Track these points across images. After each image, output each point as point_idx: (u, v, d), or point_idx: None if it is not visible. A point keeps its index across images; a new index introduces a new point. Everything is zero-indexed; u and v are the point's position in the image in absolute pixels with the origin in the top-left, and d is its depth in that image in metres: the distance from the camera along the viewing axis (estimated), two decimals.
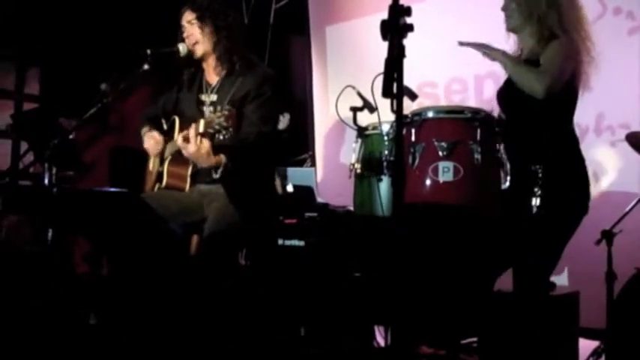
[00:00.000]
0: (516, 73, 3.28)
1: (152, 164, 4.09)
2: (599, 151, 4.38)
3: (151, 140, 4.03)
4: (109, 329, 3.58)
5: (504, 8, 3.46)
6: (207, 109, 3.86)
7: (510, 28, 3.48)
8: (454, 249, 3.52)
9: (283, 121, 5.23)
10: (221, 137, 3.45)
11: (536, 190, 3.18)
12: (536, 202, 3.17)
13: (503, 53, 3.37)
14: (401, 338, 2.47)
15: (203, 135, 3.45)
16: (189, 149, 3.49)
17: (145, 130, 4.11)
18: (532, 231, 3.18)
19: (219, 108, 3.51)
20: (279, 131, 4.11)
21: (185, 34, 3.88)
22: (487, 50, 3.36)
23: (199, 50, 3.88)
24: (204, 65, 3.97)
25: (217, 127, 3.39)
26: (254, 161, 3.73)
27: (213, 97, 3.88)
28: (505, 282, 3.42)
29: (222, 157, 3.59)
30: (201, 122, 3.44)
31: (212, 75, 3.96)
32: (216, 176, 3.63)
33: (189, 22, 3.87)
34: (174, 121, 4.01)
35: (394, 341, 2.47)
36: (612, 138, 4.57)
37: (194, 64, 3.97)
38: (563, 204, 3.21)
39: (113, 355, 3.42)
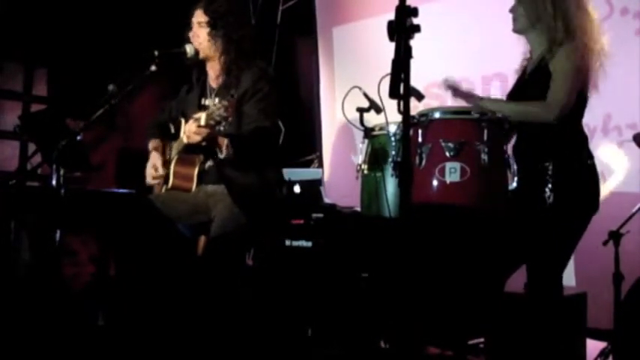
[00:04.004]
0: (521, 115, 3.30)
1: None
2: (606, 152, 4.38)
3: (152, 170, 4.04)
4: (117, 330, 3.59)
5: (512, 10, 3.45)
6: None
7: (517, 30, 3.46)
8: (461, 249, 3.52)
9: None
10: (221, 128, 3.47)
11: (546, 187, 3.17)
12: (547, 199, 3.17)
13: (491, 101, 3.41)
14: (408, 339, 2.47)
15: (205, 127, 3.46)
16: (192, 140, 3.53)
17: (152, 144, 4.12)
18: (544, 228, 3.17)
19: (217, 100, 3.53)
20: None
21: (191, 33, 3.88)
22: (480, 105, 3.39)
23: (202, 52, 3.88)
24: (208, 69, 3.98)
25: (218, 118, 3.41)
26: (255, 154, 3.72)
27: (215, 101, 3.88)
28: (512, 283, 3.42)
29: (225, 139, 3.59)
30: (203, 116, 3.46)
31: (214, 79, 3.96)
32: (221, 156, 3.61)
33: (198, 22, 3.86)
34: (180, 122, 4.01)
35: (401, 342, 2.46)
36: (619, 138, 4.56)
37: (200, 65, 3.97)
38: (573, 201, 3.19)
39: (122, 356, 3.43)
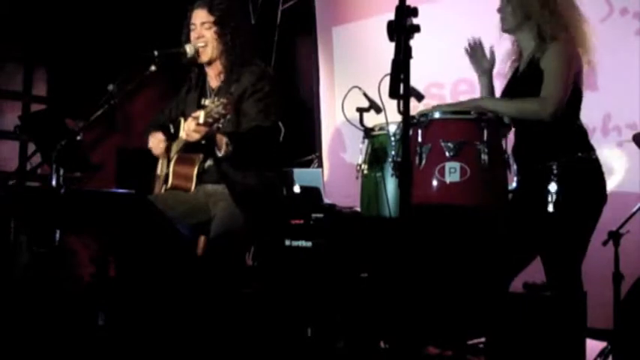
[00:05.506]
0: (517, 112, 3.30)
1: (160, 168, 4.09)
2: (605, 152, 4.37)
3: (154, 139, 4.01)
4: (117, 330, 3.59)
5: (500, 10, 3.45)
6: None
7: (505, 30, 3.46)
8: (461, 249, 3.52)
9: None
10: (220, 126, 3.46)
11: (552, 186, 3.17)
12: (553, 197, 3.16)
13: (488, 99, 3.42)
14: (408, 339, 2.47)
15: (204, 125, 3.45)
16: (191, 138, 3.53)
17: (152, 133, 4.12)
18: (558, 226, 3.17)
19: (215, 98, 3.53)
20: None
21: (195, 35, 3.83)
22: (479, 104, 3.39)
23: (206, 53, 3.83)
24: (207, 69, 3.95)
25: (216, 115, 3.39)
26: (255, 153, 3.71)
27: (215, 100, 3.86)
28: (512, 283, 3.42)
29: (224, 137, 3.58)
30: (201, 114, 3.45)
31: (214, 79, 3.94)
32: (220, 154, 3.60)
33: (202, 23, 3.82)
34: (179, 122, 4.00)
35: (401, 342, 2.46)
36: (619, 138, 4.56)
37: (199, 66, 3.96)
38: (584, 196, 3.20)
39: (121, 356, 3.43)
